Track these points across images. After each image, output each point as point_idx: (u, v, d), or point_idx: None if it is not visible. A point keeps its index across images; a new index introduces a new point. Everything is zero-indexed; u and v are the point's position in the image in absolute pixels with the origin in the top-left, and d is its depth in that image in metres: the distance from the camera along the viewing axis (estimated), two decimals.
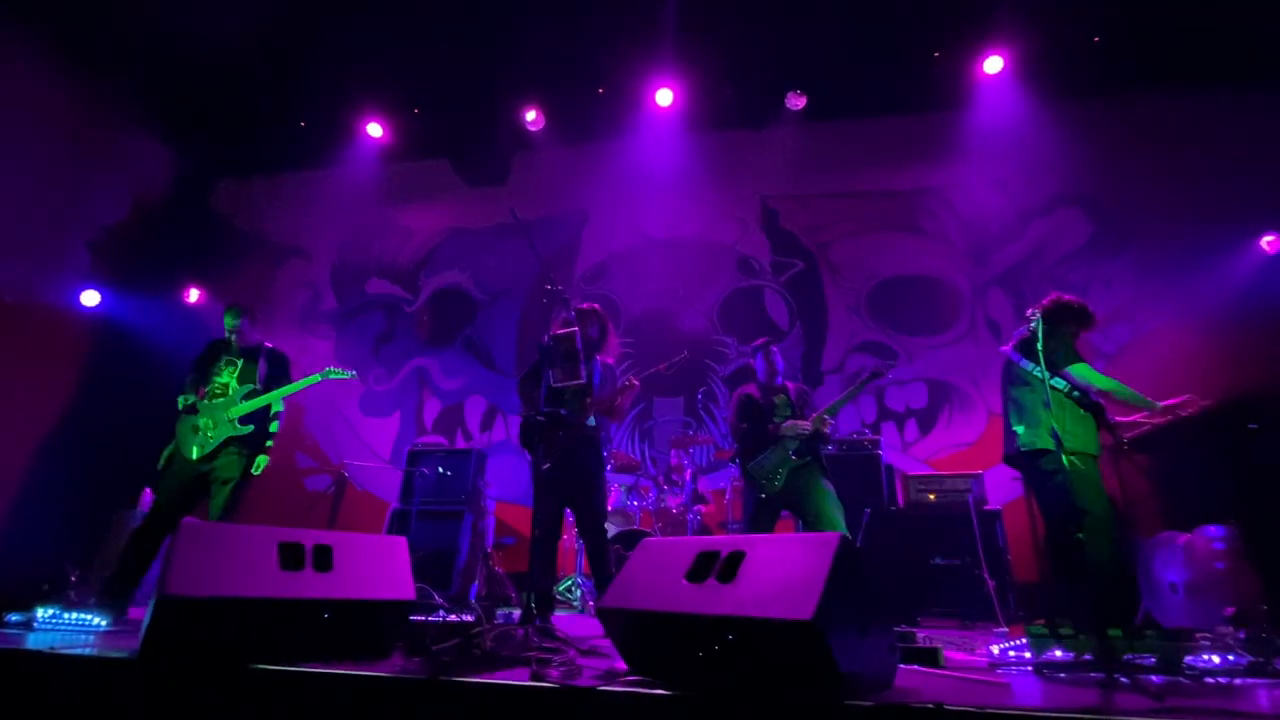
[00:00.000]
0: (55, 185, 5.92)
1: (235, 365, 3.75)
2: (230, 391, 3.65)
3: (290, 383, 3.80)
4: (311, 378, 3.85)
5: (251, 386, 3.68)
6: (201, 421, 3.57)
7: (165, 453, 3.63)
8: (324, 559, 2.10)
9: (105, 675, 1.79)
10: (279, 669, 1.73)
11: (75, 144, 6.05)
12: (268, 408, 3.72)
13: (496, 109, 6.57)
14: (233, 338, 3.78)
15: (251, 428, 3.62)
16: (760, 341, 3.83)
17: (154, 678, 1.75)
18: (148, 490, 4.89)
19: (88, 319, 6.19)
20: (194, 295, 7.01)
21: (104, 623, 2.54)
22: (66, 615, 2.53)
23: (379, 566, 2.18)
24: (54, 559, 4.52)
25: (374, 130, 6.81)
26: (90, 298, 6.15)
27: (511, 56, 6.05)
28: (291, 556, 2.05)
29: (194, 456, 3.51)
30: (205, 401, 3.62)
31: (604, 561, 3.20)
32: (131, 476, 4.89)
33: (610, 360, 3.49)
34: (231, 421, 3.58)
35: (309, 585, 2.02)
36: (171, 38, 5.70)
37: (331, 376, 3.89)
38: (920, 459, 5.46)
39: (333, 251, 7.31)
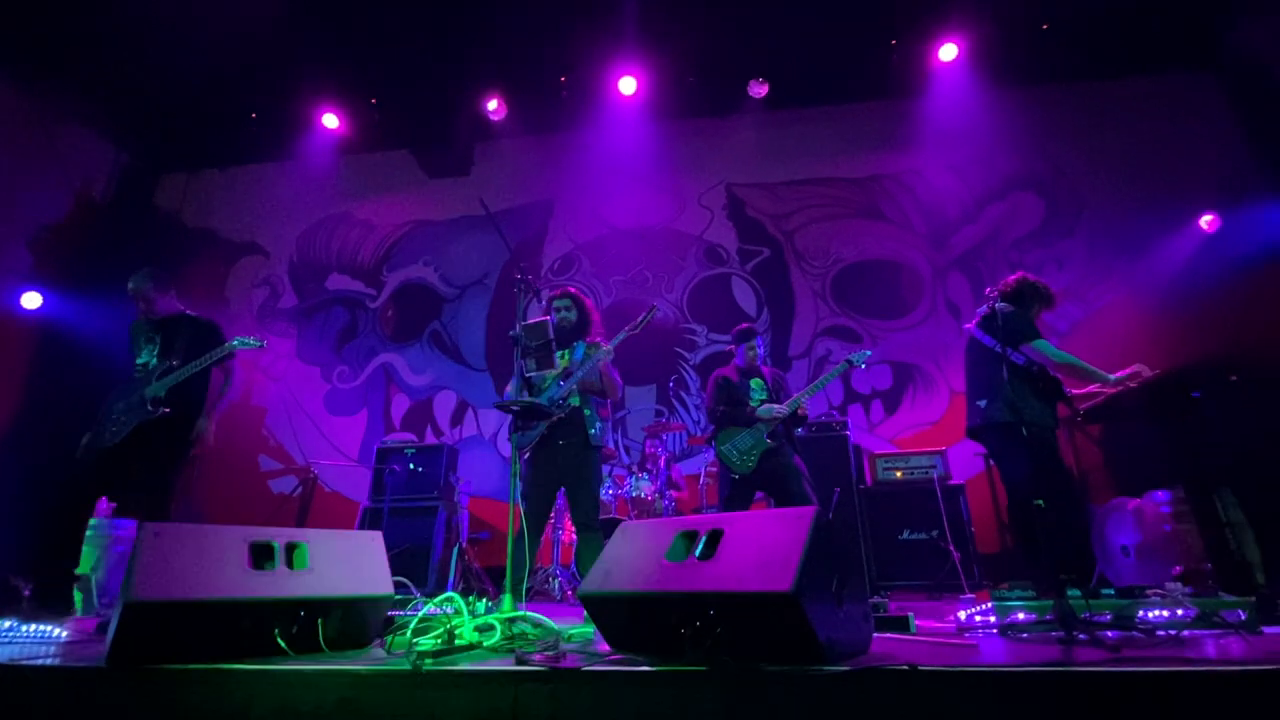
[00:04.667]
0: None
1: (154, 341, 3.39)
2: (147, 371, 3.30)
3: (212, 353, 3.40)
4: (222, 348, 3.39)
5: (168, 364, 3.28)
6: (119, 406, 3.24)
7: (84, 441, 3.30)
8: (297, 556, 2.06)
9: (73, 685, 1.73)
10: (256, 668, 1.69)
11: (10, 139, 5.74)
12: (190, 387, 3.34)
13: (457, 98, 6.46)
14: (140, 306, 3.42)
15: (167, 411, 3.22)
16: (743, 327, 3.86)
17: (124, 685, 1.70)
18: (103, 500, 4.67)
19: (30, 322, 5.89)
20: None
21: (64, 633, 2.45)
22: (24, 627, 2.43)
23: (355, 562, 2.15)
24: (2, 571, 4.32)
25: (330, 121, 6.63)
26: (32, 300, 5.86)
27: (472, 44, 5.94)
28: (263, 555, 2.01)
29: (107, 444, 3.19)
30: (126, 384, 3.30)
31: (593, 551, 2.95)
32: (82, 485, 4.69)
33: (598, 339, 3.28)
34: (144, 404, 3.18)
35: (282, 584, 1.99)
36: (111, 26, 5.44)
37: (240, 347, 3.46)
38: (886, 438, 5.60)
39: (290, 247, 7.11)
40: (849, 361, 3.78)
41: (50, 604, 2.93)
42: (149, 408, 3.23)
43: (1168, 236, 5.53)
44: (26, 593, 4.13)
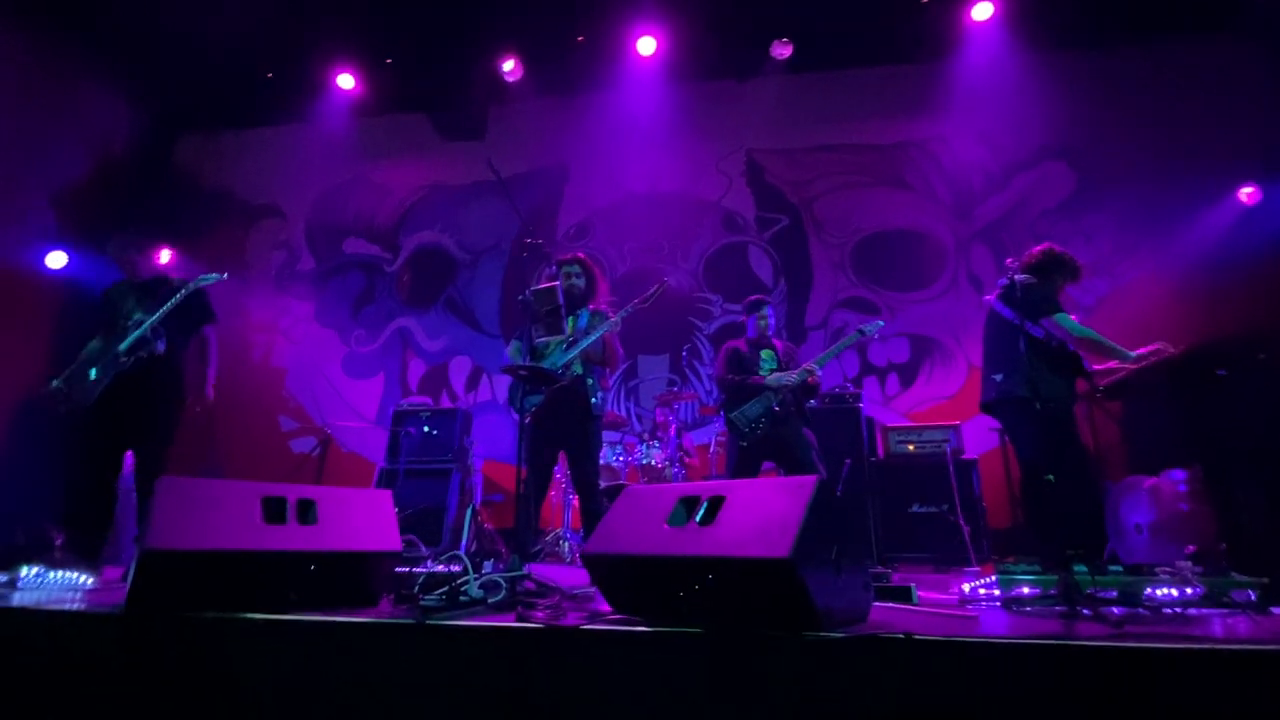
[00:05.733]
0: (9, 143, 5.67)
1: (146, 305, 3.39)
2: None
3: (201, 306, 3.49)
4: (188, 287, 3.43)
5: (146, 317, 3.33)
6: (94, 370, 3.28)
7: (63, 411, 3.34)
8: (308, 512, 2.11)
9: (92, 630, 1.81)
10: (265, 618, 1.75)
11: (28, 98, 5.78)
12: (170, 341, 3.40)
13: (473, 59, 6.34)
14: (125, 271, 3.48)
15: (134, 359, 3.26)
16: (754, 298, 3.83)
17: (140, 631, 1.77)
18: (129, 454, 4.81)
19: (55, 281, 6.01)
20: (165, 256, 6.81)
21: (90, 580, 2.55)
22: (51, 574, 2.54)
23: (364, 519, 2.20)
24: (36, 522, 4.50)
25: (345, 82, 6.56)
26: (56, 259, 5.96)
27: (488, 3, 5.80)
28: (275, 510, 2.06)
29: (81, 405, 3.25)
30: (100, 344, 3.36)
31: (595, 516, 3.09)
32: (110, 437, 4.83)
33: (602, 307, 3.33)
34: (118, 357, 3.24)
35: (293, 538, 2.04)
36: None
37: (203, 284, 3.48)
38: (901, 412, 5.55)
39: (307, 210, 7.12)
40: (861, 331, 3.74)
41: (83, 556, 3.05)
42: (122, 360, 3.26)
43: (1204, 209, 5.31)
44: (59, 541, 4.31)
